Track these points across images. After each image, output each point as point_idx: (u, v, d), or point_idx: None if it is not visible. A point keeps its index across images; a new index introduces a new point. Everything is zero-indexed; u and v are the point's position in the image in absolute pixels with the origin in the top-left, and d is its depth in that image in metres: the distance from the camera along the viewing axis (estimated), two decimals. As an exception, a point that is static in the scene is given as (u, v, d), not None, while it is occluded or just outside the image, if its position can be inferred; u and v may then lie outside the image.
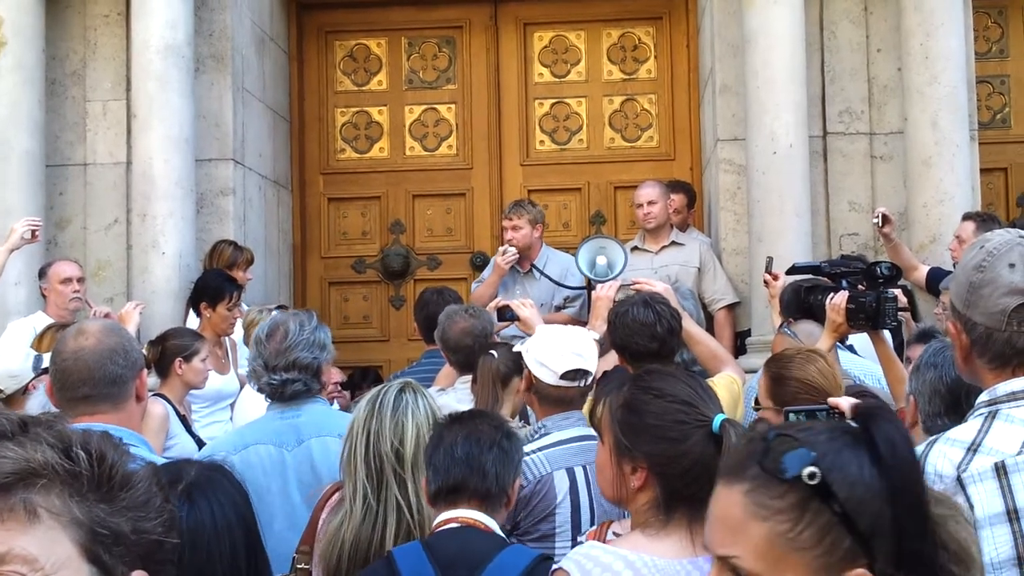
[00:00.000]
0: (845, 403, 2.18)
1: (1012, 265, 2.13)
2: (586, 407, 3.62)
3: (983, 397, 2.20)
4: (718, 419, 2.20)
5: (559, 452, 3.38)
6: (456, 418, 2.84)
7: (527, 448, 3.31)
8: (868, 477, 1.34)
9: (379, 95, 8.55)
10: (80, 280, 6.36)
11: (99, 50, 7.27)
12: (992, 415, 2.16)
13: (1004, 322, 2.13)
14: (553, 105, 8.46)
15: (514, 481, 2.81)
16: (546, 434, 3.46)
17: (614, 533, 2.65)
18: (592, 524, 3.24)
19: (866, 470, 1.34)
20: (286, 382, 3.56)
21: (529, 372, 3.53)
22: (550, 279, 6.68)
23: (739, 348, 6.90)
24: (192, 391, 5.38)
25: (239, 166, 7.35)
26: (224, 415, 5.97)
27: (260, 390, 3.68)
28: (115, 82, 7.23)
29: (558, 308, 6.71)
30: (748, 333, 6.83)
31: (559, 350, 3.51)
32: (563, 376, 3.47)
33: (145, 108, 6.82)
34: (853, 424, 1.41)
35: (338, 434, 3.24)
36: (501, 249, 6.61)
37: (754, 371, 5.41)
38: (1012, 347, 2.15)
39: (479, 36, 8.48)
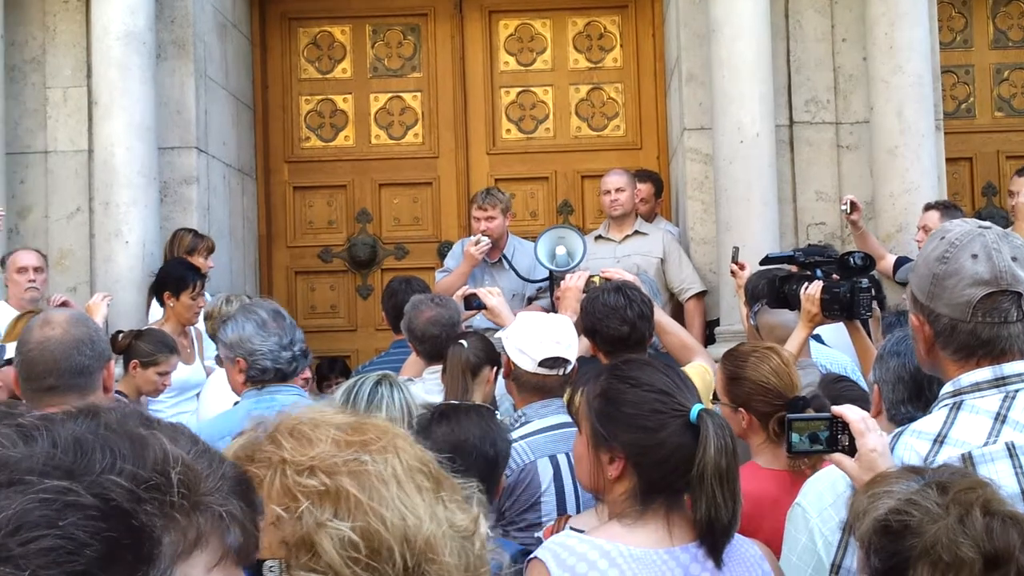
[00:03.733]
0: (851, 414, 2.17)
1: (975, 256, 2.13)
2: (566, 396, 3.62)
3: (947, 388, 2.20)
4: (696, 409, 2.19)
5: (542, 440, 3.36)
6: (443, 414, 2.79)
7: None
8: None
9: (344, 83, 8.49)
10: (37, 270, 6.23)
11: (59, 36, 7.17)
12: (957, 406, 2.16)
13: (969, 313, 2.13)
14: (519, 94, 8.43)
15: (499, 482, 2.79)
16: (527, 422, 3.44)
17: (571, 528, 2.64)
18: (578, 511, 3.23)
19: None
20: (303, 353, 3.67)
21: (508, 359, 3.51)
22: (518, 274, 6.66)
23: (708, 338, 6.91)
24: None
25: (202, 154, 7.27)
26: (190, 405, 5.91)
27: (277, 371, 3.67)
28: (75, 68, 7.13)
29: (530, 299, 6.69)
30: (717, 323, 6.83)
31: (538, 338, 3.49)
32: (541, 364, 3.45)
33: (106, 95, 6.73)
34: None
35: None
36: (474, 239, 6.52)
37: (722, 360, 5.44)
38: (977, 338, 2.14)
39: (444, 24, 8.43)
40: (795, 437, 2.21)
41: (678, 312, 6.92)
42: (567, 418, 3.43)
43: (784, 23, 7.08)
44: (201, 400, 5.66)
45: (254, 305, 3.82)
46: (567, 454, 3.35)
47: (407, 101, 8.47)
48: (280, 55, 8.46)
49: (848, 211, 6.17)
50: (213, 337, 5.47)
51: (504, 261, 6.69)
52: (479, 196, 6.82)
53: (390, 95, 8.47)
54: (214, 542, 0.95)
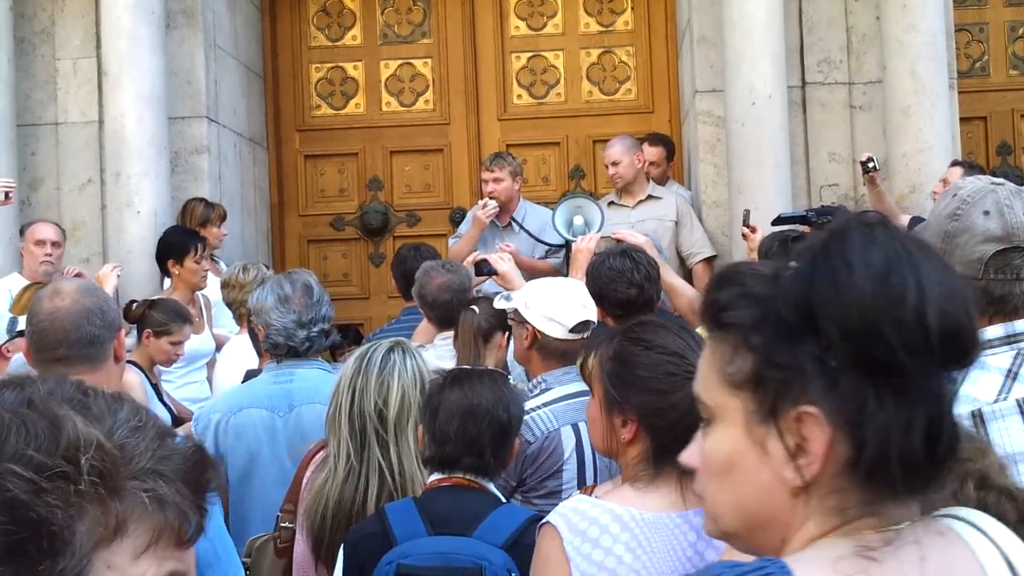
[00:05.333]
0: None
1: (987, 212, 2.11)
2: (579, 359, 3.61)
3: None
4: None
5: (564, 408, 3.35)
6: (456, 379, 2.78)
7: (530, 404, 3.28)
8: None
9: (354, 50, 8.44)
10: (55, 244, 6.23)
11: (67, 7, 7.14)
12: None
13: (981, 270, 2.11)
14: (530, 59, 8.38)
15: (512, 447, 2.78)
16: (547, 389, 3.42)
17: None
18: (596, 480, 3.23)
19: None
20: (321, 333, 3.65)
21: (533, 328, 3.48)
22: (529, 234, 6.63)
23: (719, 301, 6.89)
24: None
25: (213, 123, 7.26)
26: (199, 375, 5.93)
27: (291, 348, 3.66)
28: (85, 39, 7.11)
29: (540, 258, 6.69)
30: (729, 285, 6.80)
31: (566, 303, 3.47)
32: (572, 329, 3.44)
33: (116, 66, 6.71)
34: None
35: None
36: (481, 203, 6.51)
37: (735, 323, 5.42)
38: (989, 295, 2.13)
39: (455, -11, 8.38)
40: None
41: (687, 277, 6.90)
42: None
43: (797, -19, 7.01)
44: (216, 370, 5.66)
45: (287, 276, 3.80)
46: None
47: (417, 68, 8.42)
48: (289, 23, 8.41)
49: (874, 167, 6.11)
50: (230, 305, 5.48)
51: (514, 224, 6.67)
52: (487, 159, 6.85)
53: (400, 62, 8.43)
54: (140, 528, 0.92)
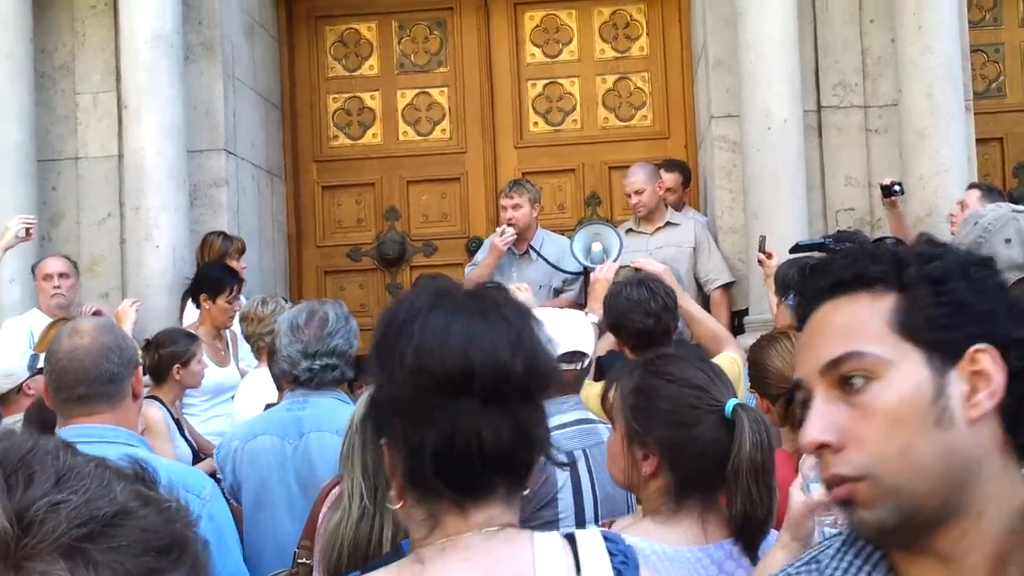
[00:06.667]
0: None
1: (1008, 240, 2.11)
2: (588, 390, 3.60)
3: None
4: (730, 404, 2.17)
5: (559, 437, 3.31)
6: None
7: None
8: None
9: (371, 80, 8.49)
10: (63, 276, 6.26)
11: (88, 41, 7.22)
12: None
13: None
14: (546, 86, 8.41)
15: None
16: (543, 419, 3.41)
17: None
18: (595, 509, 3.22)
19: None
20: (326, 368, 3.59)
21: None
22: (547, 261, 6.65)
23: (737, 327, 6.87)
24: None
25: (231, 156, 7.30)
26: (226, 408, 5.93)
27: (295, 377, 3.67)
28: (105, 73, 7.18)
29: (557, 291, 6.67)
30: (746, 312, 6.79)
31: (555, 332, 3.46)
32: (560, 359, 3.43)
33: (135, 99, 6.76)
34: None
35: (336, 430, 3.22)
36: (499, 229, 6.51)
37: (753, 350, 5.41)
38: None
39: (470, 17, 8.42)
40: None
41: (704, 303, 6.89)
42: (583, 414, 3.42)
43: (811, 5, 7.01)
44: (235, 402, 5.68)
45: (308, 305, 3.78)
46: (584, 450, 3.33)
47: (434, 96, 8.46)
48: (307, 54, 8.48)
49: (900, 191, 6.10)
50: (248, 338, 5.50)
51: (532, 252, 6.68)
52: (506, 186, 6.87)
53: (417, 91, 8.47)
54: None
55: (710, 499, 2.20)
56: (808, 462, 2.00)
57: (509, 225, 6.53)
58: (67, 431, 2.82)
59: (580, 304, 5.55)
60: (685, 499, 2.19)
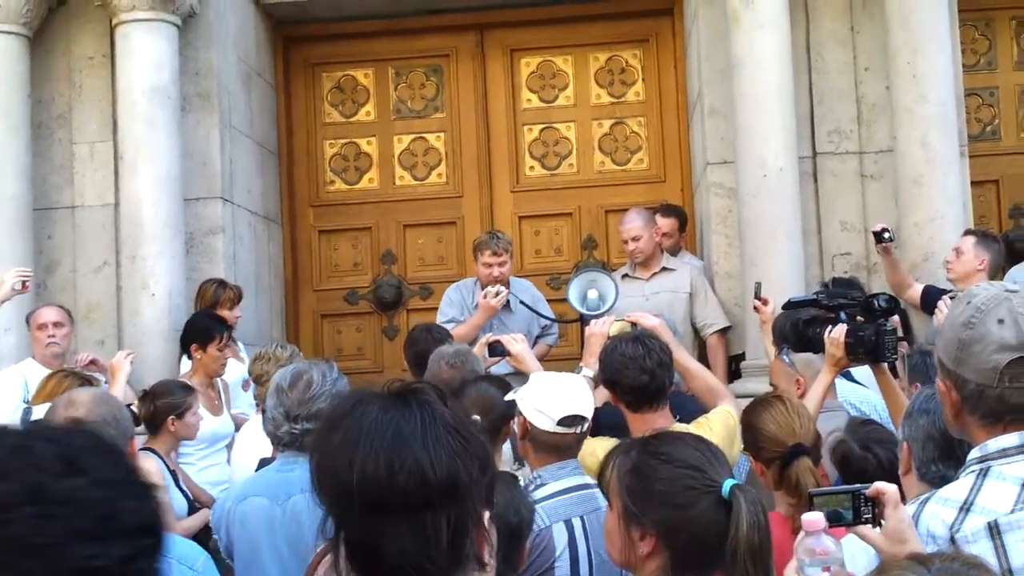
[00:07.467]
0: (885, 486, 2.13)
1: (1001, 321, 2.11)
2: (584, 447, 3.59)
3: (974, 454, 2.18)
4: (727, 484, 2.16)
5: (556, 504, 3.34)
6: None
7: None
8: None
9: (367, 126, 8.53)
10: (57, 325, 6.25)
11: (84, 92, 7.25)
12: (983, 472, 2.14)
13: (996, 379, 2.11)
14: (542, 130, 8.44)
15: (523, 549, 2.75)
16: (542, 485, 3.41)
17: None
18: (591, 575, 3.20)
19: None
20: (306, 432, 3.55)
21: (524, 419, 3.49)
22: (530, 308, 6.68)
23: (733, 372, 6.87)
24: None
25: (228, 204, 7.32)
26: (220, 457, 5.93)
27: (279, 439, 3.66)
28: (101, 124, 7.20)
29: (537, 338, 6.69)
30: (743, 357, 6.79)
31: (556, 396, 3.47)
32: (560, 422, 3.43)
33: (132, 150, 6.79)
34: None
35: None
36: (493, 290, 6.37)
37: (750, 396, 5.38)
38: (1004, 403, 2.12)
39: (466, 64, 8.46)
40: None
41: (701, 347, 6.90)
42: (582, 479, 3.41)
43: (806, 56, 7.05)
44: (233, 451, 5.67)
45: (296, 368, 3.76)
46: (582, 518, 3.33)
47: (430, 142, 8.49)
48: (304, 100, 8.52)
49: (891, 238, 6.10)
50: (257, 379, 5.47)
51: (510, 303, 6.65)
52: (490, 242, 6.65)
53: (413, 136, 8.51)
54: None
55: (708, 578, 2.18)
56: (804, 544, 1.99)
57: (496, 282, 6.48)
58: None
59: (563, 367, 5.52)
60: (682, 580, 2.18)
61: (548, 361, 6.24)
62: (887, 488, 2.14)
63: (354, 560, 1.57)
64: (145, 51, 6.80)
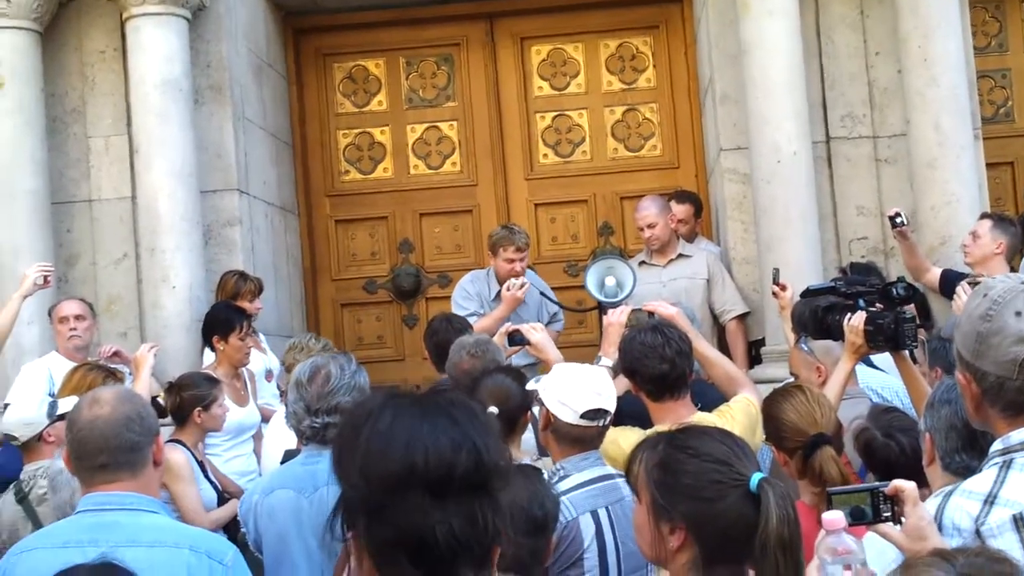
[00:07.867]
0: (905, 484, 2.15)
1: (1018, 313, 2.11)
2: (606, 441, 3.61)
3: (997, 446, 2.19)
4: (755, 478, 2.17)
5: (582, 495, 3.36)
6: None
7: None
8: None
9: (380, 115, 8.54)
10: (78, 318, 6.30)
11: (97, 86, 7.27)
12: (1007, 464, 2.15)
13: (1016, 371, 2.11)
14: (555, 118, 8.45)
15: (548, 543, 2.78)
16: (565, 476, 3.43)
17: None
18: (619, 567, 3.23)
19: None
20: (327, 425, 3.59)
21: (547, 411, 3.51)
22: (543, 294, 6.72)
23: (754, 358, 6.88)
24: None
25: (244, 195, 7.35)
26: (246, 447, 5.97)
27: (300, 433, 3.70)
28: (116, 117, 7.23)
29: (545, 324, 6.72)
30: (762, 342, 6.80)
31: (580, 389, 3.49)
32: (583, 415, 3.45)
33: (146, 143, 6.82)
34: None
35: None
36: (517, 282, 6.35)
37: (770, 382, 5.42)
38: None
39: (477, 52, 8.47)
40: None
41: (720, 334, 6.91)
42: (606, 470, 3.43)
43: (816, 40, 7.04)
44: (263, 444, 5.71)
45: (315, 361, 3.80)
46: (607, 508, 3.35)
47: (443, 131, 8.51)
48: (316, 91, 8.53)
49: (904, 222, 6.10)
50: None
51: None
52: (513, 237, 6.60)
53: (426, 125, 8.52)
54: None
55: (738, 572, 2.19)
56: (825, 543, 2.01)
57: (517, 276, 6.46)
58: (89, 499, 2.86)
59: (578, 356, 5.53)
60: (713, 573, 2.19)
61: (567, 348, 6.24)
62: (906, 486, 2.15)
63: (384, 549, 1.58)
64: (156, 45, 6.81)
